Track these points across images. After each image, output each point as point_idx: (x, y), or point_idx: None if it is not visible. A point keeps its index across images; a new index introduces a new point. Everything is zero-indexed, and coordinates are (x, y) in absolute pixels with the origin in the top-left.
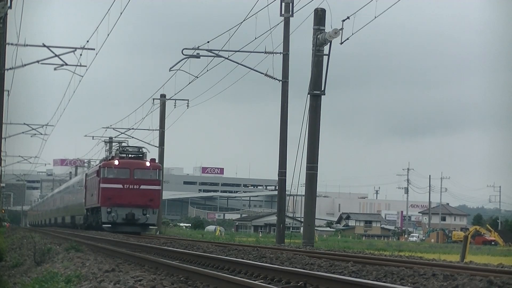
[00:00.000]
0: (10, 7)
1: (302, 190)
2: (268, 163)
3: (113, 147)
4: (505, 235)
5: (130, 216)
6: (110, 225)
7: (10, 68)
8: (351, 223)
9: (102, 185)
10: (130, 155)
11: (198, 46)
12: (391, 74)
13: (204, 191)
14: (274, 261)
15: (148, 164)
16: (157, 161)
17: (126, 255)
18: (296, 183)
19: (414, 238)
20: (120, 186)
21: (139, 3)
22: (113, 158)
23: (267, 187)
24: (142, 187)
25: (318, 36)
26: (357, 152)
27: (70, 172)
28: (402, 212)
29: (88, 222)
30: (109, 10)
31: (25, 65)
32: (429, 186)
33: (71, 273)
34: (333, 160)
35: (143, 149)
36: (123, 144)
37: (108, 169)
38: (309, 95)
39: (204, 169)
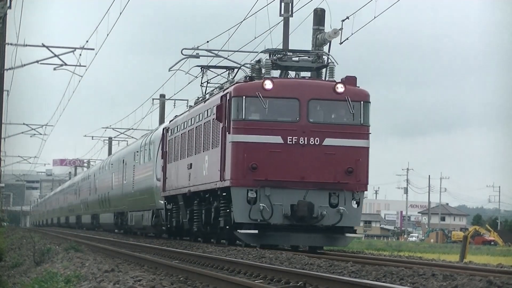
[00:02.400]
0: (10, 7)
1: None
2: None
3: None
4: (505, 235)
5: (303, 209)
6: (256, 230)
7: (10, 68)
8: None
9: (234, 138)
10: (294, 71)
11: (198, 46)
12: (391, 74)
13: None
14: (274, 261)
15: (340, 88)
16: None
17: (125, 255)
18: None
19: (414, 238)
20: (279, 139)
21: (139, 3)
22: (252, 78)
23: None
24: (329, 141)
25: (317, 36)
26: None
27: (70, 172)
28: (401, 212)
29: (172, 224)
30: (108, 10)
31: (24, 65)
32: (429, 186)
33: (71, 273)
34: None
35: (323, 56)
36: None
37: (249, 100)
38: None
39: None
